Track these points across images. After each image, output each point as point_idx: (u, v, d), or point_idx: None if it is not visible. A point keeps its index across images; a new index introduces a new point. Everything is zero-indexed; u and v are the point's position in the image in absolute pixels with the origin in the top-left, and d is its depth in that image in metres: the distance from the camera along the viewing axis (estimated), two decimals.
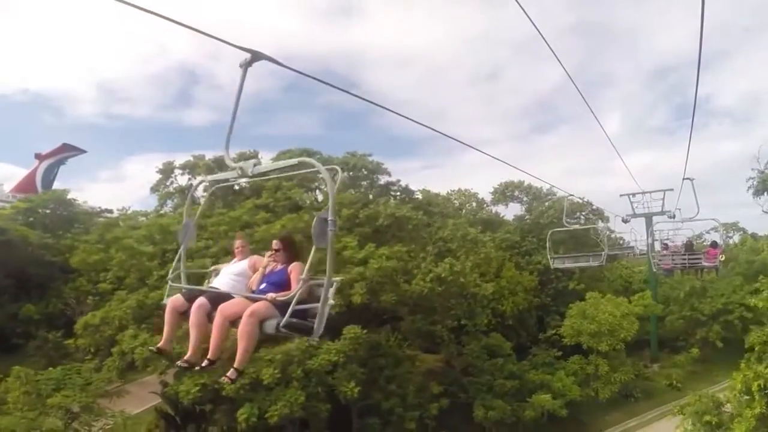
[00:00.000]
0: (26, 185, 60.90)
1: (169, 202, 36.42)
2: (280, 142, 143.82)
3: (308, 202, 26.79)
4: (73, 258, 27.64)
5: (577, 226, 25.97)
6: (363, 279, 22.05)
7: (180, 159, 36.98)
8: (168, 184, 37.39)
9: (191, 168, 35.17)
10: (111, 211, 48.67)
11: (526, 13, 6.28)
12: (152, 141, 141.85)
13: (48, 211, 43.50)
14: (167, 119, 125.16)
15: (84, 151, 69.11)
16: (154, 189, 37.72)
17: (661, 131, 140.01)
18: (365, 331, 21.31)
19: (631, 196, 40.06)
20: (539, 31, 6.89)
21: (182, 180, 36.68)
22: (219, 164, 35.86)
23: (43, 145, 63.58)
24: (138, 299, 22.37)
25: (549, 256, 19.98)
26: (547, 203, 43.02)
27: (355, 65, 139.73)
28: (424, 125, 7.53)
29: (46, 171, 64.94)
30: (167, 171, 36.92)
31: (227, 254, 24.42)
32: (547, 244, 19.90)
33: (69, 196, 46.16)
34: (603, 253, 20.48)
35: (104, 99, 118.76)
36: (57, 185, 58.75)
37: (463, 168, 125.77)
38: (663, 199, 38.37)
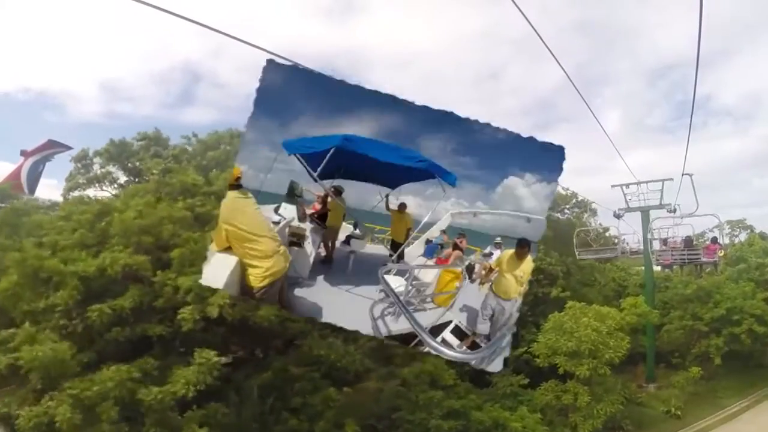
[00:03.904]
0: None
1: (77, 192, 32.25)
2: None
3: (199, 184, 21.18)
4: None
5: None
6: None
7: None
8: (84, 173, 33.78)
9: (101, 155, 31.79)
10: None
11: (525, 16, 7.37)
12: None
13: None
14: (170, 118, 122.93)
15: (70, 148, 66.56)
16: (69, 179, 33.98)
17: (661, 130, 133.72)
18: (228, 355, 15.61)
19: (624, 187, 33.59)
20: (538, 34, 8.13)
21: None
22: (118, 149, 31.78)
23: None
24: None
25: None
26: None
27: (357, 65, 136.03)
28: None
29: (32, 168, 62.86)
30: (81, 159, 33.67)
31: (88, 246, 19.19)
32: None
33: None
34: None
35: (106, 97, 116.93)
36: (45, 182, 56.23)
37: None
38: (662, 190, 32.03)
